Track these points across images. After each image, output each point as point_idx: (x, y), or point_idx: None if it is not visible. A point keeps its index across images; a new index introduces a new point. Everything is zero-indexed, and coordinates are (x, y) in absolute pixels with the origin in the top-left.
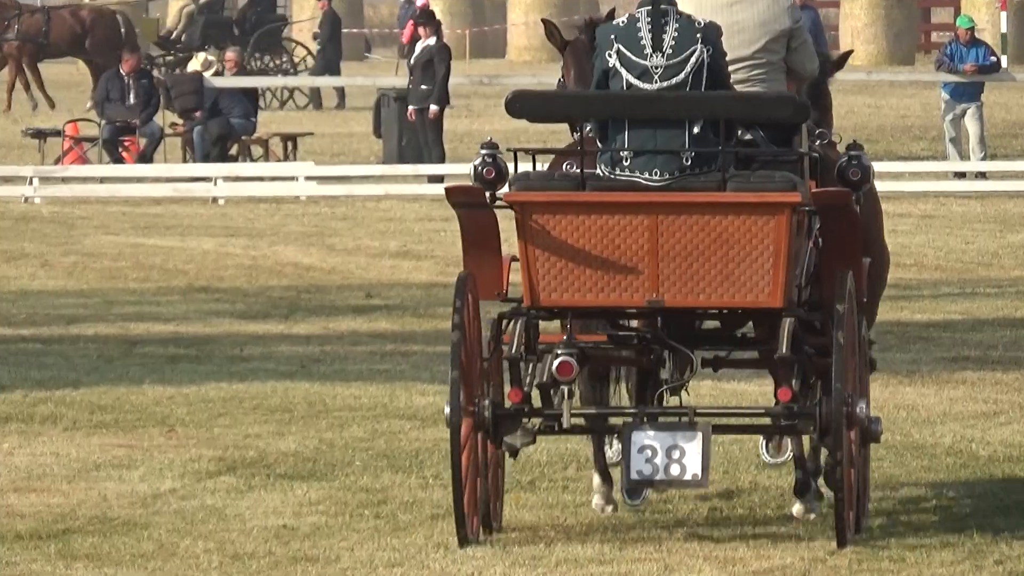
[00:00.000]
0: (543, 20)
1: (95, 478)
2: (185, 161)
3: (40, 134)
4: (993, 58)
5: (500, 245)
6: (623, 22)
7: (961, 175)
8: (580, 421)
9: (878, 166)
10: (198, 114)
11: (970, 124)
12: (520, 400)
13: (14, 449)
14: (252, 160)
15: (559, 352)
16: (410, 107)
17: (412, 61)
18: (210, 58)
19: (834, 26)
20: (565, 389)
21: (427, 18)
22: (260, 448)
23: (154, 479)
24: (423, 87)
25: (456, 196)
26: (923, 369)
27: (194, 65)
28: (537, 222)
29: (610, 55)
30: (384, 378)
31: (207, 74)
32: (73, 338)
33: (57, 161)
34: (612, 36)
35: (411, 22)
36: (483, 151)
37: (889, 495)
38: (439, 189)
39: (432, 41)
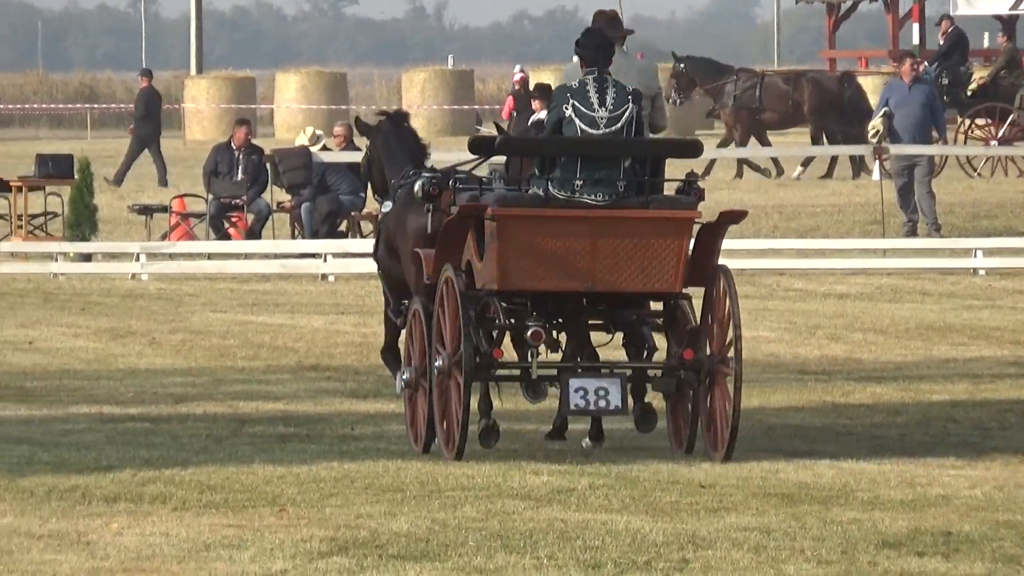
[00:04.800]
0: (356, 118)
1: (205, 558)
2: (293, 237)
3: (147, 210)
4: None
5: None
6: (575, 84)
7: None
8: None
9: (997, 242)
10: (305, 190)
11: None
12: (501, 355)
13: (123, 529)
14: (362, 236)
15: (530, 323)
16: None
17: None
18: (318, 132)
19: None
20: (534, 350)
21: (542, 91)
22: (372, 528)
23: (265, 559)
24: None
25: (468, 212)
26: None
27: (301, 140)
28: (514, 229)
29: (566, 108)
30: (497, 457)
31: (314, 149)
32: (182, 417)
33: (164, 237)
34: (568, 94)
35: (510, 97)
36: (426, 175)
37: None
38: None
39: (543, 114)
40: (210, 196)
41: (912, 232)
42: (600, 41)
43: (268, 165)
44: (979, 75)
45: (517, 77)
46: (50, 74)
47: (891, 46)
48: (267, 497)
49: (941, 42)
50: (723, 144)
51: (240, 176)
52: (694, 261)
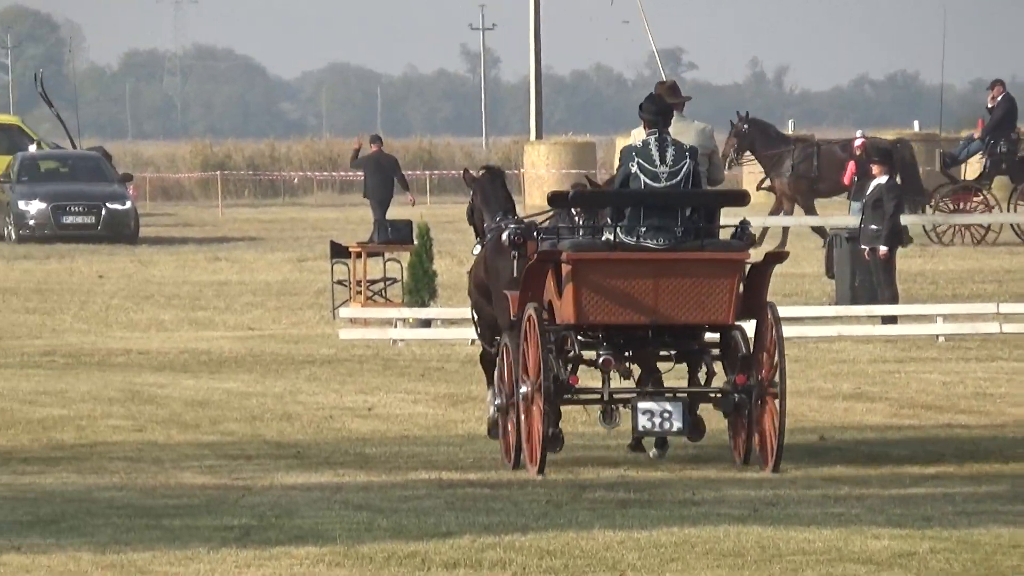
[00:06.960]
0: (464, 170)
1: None
2: None
3: None
4: None
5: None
6: (639, 144)
7: None
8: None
9: None
10: None
11: None
12: (577, 382)
13: None
14: None
15: (601, 353)
16: (863, 247)
17: (864, 199)
18: None
19: None
20: (607, 375)
21: (882, 156)
22: None
23: None
24: (873, 226)
25: (547, 256)
26: None
27: None
28: (586, 270)
29: (632, 165)
30: (838, 522)
31: None
32: (521, 483)
33: None
34: (633, 153)
35: (851, 161)
36: (512, 225)
37: None
38: (893, 330)
39: (884, 179)
40: None
41: None
42: (660, 107)
43: None
44: None
45: (858, 142)
46: (390, 139)
47: None
48: (607, 563)
49: (990, 106)
50: (772, 214)
51: None
52: (745, 297)
